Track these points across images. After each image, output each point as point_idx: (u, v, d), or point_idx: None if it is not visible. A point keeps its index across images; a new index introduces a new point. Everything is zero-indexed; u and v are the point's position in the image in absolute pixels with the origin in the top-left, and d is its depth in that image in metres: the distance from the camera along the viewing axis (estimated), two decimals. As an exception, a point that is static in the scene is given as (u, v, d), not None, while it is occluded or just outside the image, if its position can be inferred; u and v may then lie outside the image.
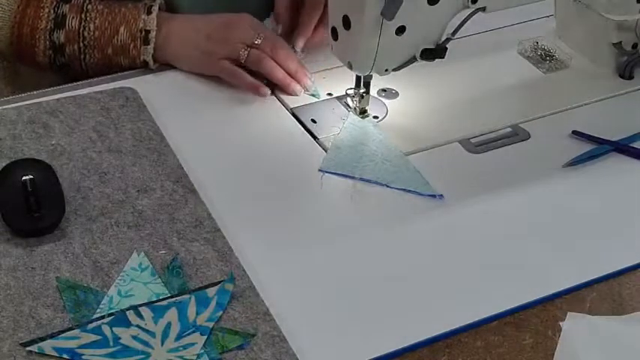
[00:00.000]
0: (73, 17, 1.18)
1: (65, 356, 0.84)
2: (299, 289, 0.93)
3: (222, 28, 1.19)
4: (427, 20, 1.06)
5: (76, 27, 1.18)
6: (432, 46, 1.09)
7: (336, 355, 0.87)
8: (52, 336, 0.86)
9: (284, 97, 1.19)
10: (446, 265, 0.97)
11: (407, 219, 1.03)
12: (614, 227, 1.03)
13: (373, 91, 1.17)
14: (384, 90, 1.21)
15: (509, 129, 1.16)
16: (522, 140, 1.15)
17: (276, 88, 1.20)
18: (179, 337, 0.87)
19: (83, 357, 0.84)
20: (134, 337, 0.86)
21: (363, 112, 1.16)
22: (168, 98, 1.17)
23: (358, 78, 1.14)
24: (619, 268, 0.97)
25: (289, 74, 1.19)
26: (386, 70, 1.10)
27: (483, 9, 1.09)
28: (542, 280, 0.95)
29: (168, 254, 0.95)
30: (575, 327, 0.91)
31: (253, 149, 1.11)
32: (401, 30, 1.05)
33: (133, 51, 1.19)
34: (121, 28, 1.19)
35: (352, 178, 1.07)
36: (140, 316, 0.88)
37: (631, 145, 1.14)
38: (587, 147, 1.13)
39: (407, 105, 1.19)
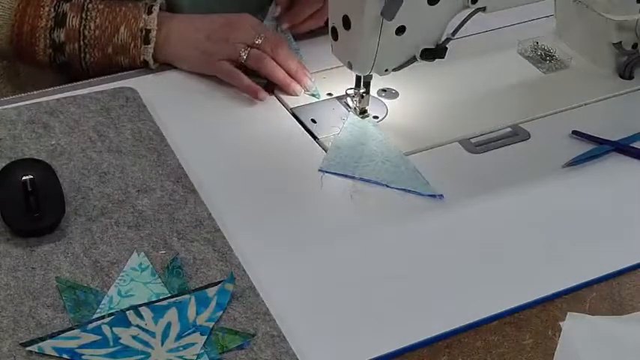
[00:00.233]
0: (73, 16, 1.18)
1: (65, 356, 0.84)
2: (299, 289, 0.93)
3: (222, 27, 1.19)
4: (427, 20, 1.06)
5: (77, 26, 1.18)
6: (432, 46, 1.09)
7: (336, 355, 0.87)
8: (52, 336, 0.86)
9: (284, 97, 1.19)
10: (446, 265, 0.97)
11: (407, 219, 1.03)
12: (614, 227, 1.03)
13: (373, 91, 1.17)
14: (384, 90, 1.21)
15: (509, 129, 1.16)
16: (522, 140, 1.15)
17: (276, 87, 1.20)
18: (179, 337, 0.87)
19: (83, 357, 0.84)
20: (134, 337, 0.86)
21: (363, 112, 1.16)
22: (168, 98, 1.17)
23: (358, 78, 1.14)
24: (619, 268, 0.98)
25: (290, 74, 1.19)
26: (386, 70, 1.10)
27: (483, 9, 1.09)
28: (542, 280, 0.95)
29: (168, 254, 0.95)
30: (575, 327, 0.91)
31: (253, 149, 1.11)
32: (401, 30, 1.05)
33: (133, 50, 1.19)
34: (122, 28, 1.19)
35: (352, 178, 1.07)
36: (140, 316, 0.88)
37: (631, 145, 1.14)
38: (587, 147, 1.13)
39: (407, 105, 1.19)
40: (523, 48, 1.31)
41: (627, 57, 1.26)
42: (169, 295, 0.91)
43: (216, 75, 1.19)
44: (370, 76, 1.13)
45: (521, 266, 0.97)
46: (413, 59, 1.09)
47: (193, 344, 0.86)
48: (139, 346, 0.85)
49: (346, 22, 1.05)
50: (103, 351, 0.85)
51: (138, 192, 1.02)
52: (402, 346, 0.88)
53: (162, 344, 0.86)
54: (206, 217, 0.99)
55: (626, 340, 0.90)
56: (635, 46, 1.26)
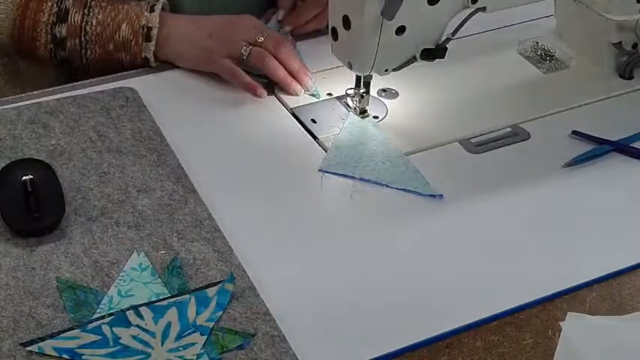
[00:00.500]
0: (76, 12, 1.19)
1: (65, 356, 0.84)
2: (299, 289, 0.93)
3: (224, 26, 1.20)
4: (427, 20, 1.06)
5: (79, 21, 1.18)
6: (432, 46, 1.09)
7: (336, 355, 0.87)
8: (52, 336, 0.86)
9: (284, 97, 1.19)
10: (446, 265, 0.97)
11: (407, 219, 1.03)
12: (614, 227, 1.03)
13: (373, 91, 1.17)
14: (384, 90, 1.21)
15: (509, 129, 1.16)
16: (522, 140, 1.15)
17: (276, 87, 1.20)
18: (179, 337, 0.87)
19: (83, 357, 0.84)
20: (134, 337, 0.86)
21: (363, 112, 1.16)
22: (168, 98, 1.17)
23: (358, 78, 1.14)
24: (619, 268, 0.97)
25: (291, 73, 1.19)
26: (386, 70, 1.10)
27: (483, 9, 1.09)
28: (542, 280, 0.95)
29: (168, 254, 0.95)
30: (575, 327, 0.91)
31: (253, 149, 1.11)
32: (401, 30, 1.05)
33: (134, 47, 1.19)
34: (124, 25, 1.19)
35: (352, 178, 1.07)
36: (140, 316, 0.88)
37: (631, 145, 1.14)
38: (587, 147, 1.13)
39: (407, 105, 1.19)
40: (523, 48, 1.31)
41: (627, 57, 1.26)
42: (169, 295, 0.91)
43: (217, 72, 1.20)
44: (370, 76, 1.13)
45: (521, 266, 0.97)
46: (413, 59, 1.09)
47: (193, 344, 0.86)
48: (139, 346, 0.85)
49: (346, 22, 1.05)
50: (103, 351, 0.85)
51: (138, 192, 1.02)
52: (402, 346, 0.88)
53: (162, 344, 0.86)
54: (206, 217, 0.99)
55: (626, 340, 0.90)
56: (635, 46, 1.26)
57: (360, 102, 1.16)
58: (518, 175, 1.09)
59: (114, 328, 0.87)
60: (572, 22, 1.30)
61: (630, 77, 1.26)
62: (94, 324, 0.87)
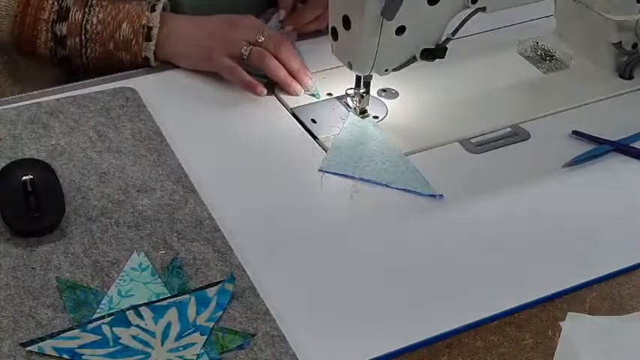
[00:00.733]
0: (76, 10, 1.19)
1: (65, 356, 0.84)
2: (299, 289, 0.93)
3: (225, 26, 1.20)
4: (427, 20, 1.06)
5: (79, 20, 1.19)
6: (432, 46, 1.09)
7: (336, 355, 0.87)
8: (52, 336, 0.86)
9: (284, 97, 1.19)
10: (446, 265, 0.97)
11: (407, 219, 1.03)
12: (614, 227, 1.03)
13: (373, 91, 1.17)
14: (384, 90, 1.21)
15: (509, 129, 1.16)
16: (522, 140, 1.15)
17: (276, 87, 1.20)
18: (179, 337, 0.87)
19: (83, 357, 0.84)
20: (134, 337, 0.86)
21: (363, 112, 1.16)
22: (168, 98, 1.17)
23: (358, 78, 1.14)
24: (619, 268, 0.97)
25: (291, 73, 1.19)
26: (386, 70, 1.10)
27: (483, 9, 1.09)
28: (542, 280, 0.95)
29: (168, 254, 0.95)
30: (575, 327, 0.91)
31: (253, 149, 1.11)
32: (401, 30, 1.05)
33: (134, 47, 1.20)
34: (124, 24, 1.19)
35: (352, 178, 1.07)
36: (140, 316, 0.88)
37: (631, 145, 1.14)
38: (587, 147, 1.13)
39: (407, 105, 1.19)
40: (523, 48, 1.31)
41: (627, 57, 1.26)
42: (169, 295, 0.91)
43: (217, 71, 1.20)
44: (370, 76, 1.13)
45: (522, 266, 0.97)
46: (413, 59, 1.09)
47: (193, 344, 0.86)
48: (139, 346, 0.85)
49: (346, 22, 1.05)
50: (103, 351, 0.85)
51: (138, 192, 1.02)
52: (402, 346, 0.88)
53: (162, 344, 0.86)
54: (206, 217, 0.99)
55: (626, 340, 0.90)
56: (635, 46, 1.26)
57: (360, 102, 1.16)
58: (518, 175, 1.09)
59: (114, 328, 0.87)
60: (572, 22, 1.30)
61: (630, 77, 1.26)
62: (94, 324, 0.87)
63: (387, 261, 0.97)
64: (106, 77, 1.20)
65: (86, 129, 1.10)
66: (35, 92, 1.17)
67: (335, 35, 1.09)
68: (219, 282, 0.92)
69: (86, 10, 1.19)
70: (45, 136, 1.09)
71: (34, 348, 0.84)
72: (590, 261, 0.98)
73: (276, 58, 1.18)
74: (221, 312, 0.89)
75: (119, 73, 1.21)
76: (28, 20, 1.19)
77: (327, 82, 1.21)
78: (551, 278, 0.96)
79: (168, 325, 0.87)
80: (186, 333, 0.87)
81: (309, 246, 0.99)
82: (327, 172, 1.08)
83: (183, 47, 1.20)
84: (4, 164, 1.02)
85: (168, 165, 1.06)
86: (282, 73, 1.18)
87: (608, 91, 1.24)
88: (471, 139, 1.14)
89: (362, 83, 1.14)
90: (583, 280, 0.96)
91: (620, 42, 1.25)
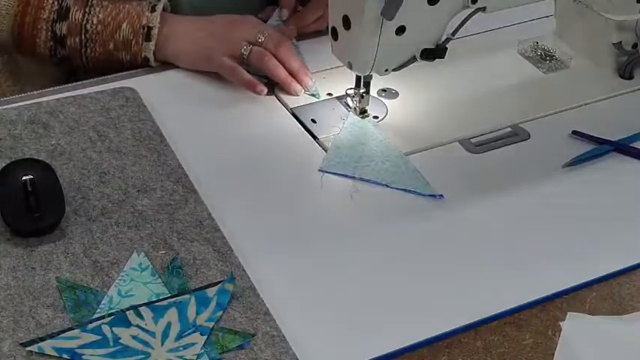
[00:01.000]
0: (77, 10, 1.19)
1: (65, 356, 0.84)
2: (299, 289, 0.93)
3: (225, 26, 1.20)
4: (427, 20, 1.06)
5: (79, 20, 1.19)
6: (432, 46, 1.09)
7: (336, 355, 0.87)
8: (52, 336, 0.86)
9: (284, 97, 1.19)
10: (446, 265, 0.97)
11: (407, 219, 1.03)
12: (614, 227, 1.03)
13: (373, 91, 1.17)
14: (384, 90, 1.21)
15: (509, 129, 1.16)
16: (522, 140, 1.15)
17: (276, 87, 1.20)
18: (179, 337, 0.87)
19: (83, 357, 0.84)
20: (134, 337, 0.86)
21: (363, 112, 1.16)
22: (168, 98, 1.17)
23: (358, 78, 1.14)
24: (619, 268, 0.97)
25: (291, 73, 1.19)
26: (386, 70, 1.10)
27: (483, 9, 1.09)
28: (542, 280, 0.95)
29: (168, 254, 0.95)
30: (575, 327, 0.91)
31: (253, 149, 1.11)
32: (401, 30, 1.05)
33: (134, 47, 1.20)
34: (124, 24, 1.19)
35: (352, 178, 1.07)
36: (140, 316, 0.88)
37: (631, 145, 1.14)
38: (587, 147, 1.13)
39: (407, 105, 1.19)
40: (523, 48, 1.31)
41: (627, 57, 1.26)
42: (169, 295, 0.91)
43: (217, 71, 1.20)
44: (370, 76, 1.13)
45: (522, 266, 0.97)
46: (413, 59, 1.09)
47: (193, 344, 0.86)
48: (139, 346, 0.85)
49: (346, 22, 1.05)
50: (103, 351, 0.85)
51: (138, 192, 1.02)
52: (402, 346, 0.88)
53: (162, 344, 0.86)
54: (206, 217, 0.99)
55: (626, 340, 0.90)
56: (635, 46, 1.26)
57: (360, 102, 1.16)
58: (518, 175, 1.09)
59: (114, 328, 0.87)
60: (572, 22, 1.30)
61: (630, 77, 1.26)
62: (94, 324, 0.87)
63: (386, 261, 0.97)
64: (106, 77, 1.20)
65: (86, 129, 1.10)
66: (35, 92, 1.17)
67: (335, 35, 1.09)
68: (219, 282, 0.92)
69: (86, 9, 1.19)
70: (45, 136, 1.09)
71: (34, 348, 0.84)
72: (590, 261, 0.98)
73: (276, 58, 1.18)
74: (221, 312, 0.89)
75: (119, 73, 1.21)
76: (28, 19, 1.19)
77: (327, 82, 1.21)
78: (551, 278, 0.96)
79: (168, 325, 0.87)
80: (186, 333, 0.87)
81: (309, 246, 0.99)
82: (327, 172, 1.08)
83: (183, 47, 1.20)
84: (4, 164, 1.02)
85: (168, 165, 1.06)
86: (282, 73, 1.18)
87: (608, 91, 1.24)
88: (471, 139, 1.14)
89: (362, 83, 1.14)
90: (583, 280, 0.96)
91: (620, 42, 1.25)
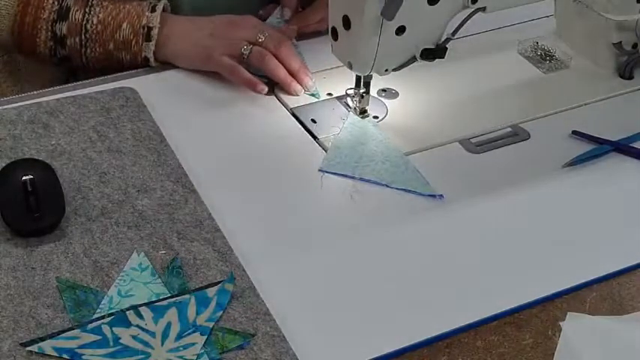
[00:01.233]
0: (77, 10, 1.19)
1: (65, 356, 0.84)
2: (299, 289, 0.93)
3: (225, 26, 1.20)
4: (427, 20, 1.06)
5: (79, 19, 1.19)
6: (432, 46, 1.09)
7: (336, 355, 0.87)
8: (52, 336, 0.86)
9: (284, 97, 1.19)
10: (446, 265, 0.97)
11: (407, 219, 1.03)
12: (614, 227, 1.03)
13: (373, 91, 1.17)
14: (384, 90, 1.21)
15: (509, 129, 1.16)
16: (522, 140, 1.15)
17: (276, 87, 1.20)
18: (179, 337, 0.87)
19: (83, 357, 0.84)
20: (134, 337, 0.86)
21: (363, 112, 1.16)
22: (168, 98, 1.17)
23: (358, 78, 1.14)
24: (619, 268, 0.97)
25: (291, 73, 1.19)
26: (386, 70, 1.10)
27: (483, 9, 1.09)
28: (542, 280, 0.95)
29: (168, 254, 0.95)
30: (575, 327, 0.91)
31: (253, 149, 1.11)
32: (401, 30, 1.05)
33: (134, 47, 1.20)
34: (124, 24, 1.19)
35: (352, 178, 1.07)
36: (140, 316, 0.88)
37: (631, 145, 1.14)
38: (587, 147, 1.13)
39: (407, 105, 1.19)
40: (523, 48, 1.31)
41: (627, 57, 1.26)
42: (169, 295, 0.91)
43: (217, 70, 1.20)
44: (370, 76, 1.13)
45: (521, 266, 0.97)
46: (413, 59, 1.09)
47: (193, 344, 0.86)
48: (139, 346, 0.85)
49: (346, 22, 1.05)
50: (103, 351, 0.85)
51: (138, 192, 1.02)
52: (402, 346, 0.88)
53: (162, 344, 0.86)
54: (206, 217, 0.99)
55: (626, 340, 0.90)
56: (635, 46, 1.26)
57: (360, 102, 1.16)
58: (518, 175, 1.09)
59: (114, 328, 0.87)
60: (572, 22, 1.30)
61: (630, 77, 1.26)
62: (94, 324, 0.87)
63: (386, 261, 0.97)
64: (106, 77, 1.20)
65: (86, 129, 1.10)
66: (35, 92, 1.17)
67: (335, 35, 1.09)
68: (219, 282, 0.92)
69: (86, 9, 1.19)
70: (45, 136, 1.09)
71: (34, 348, 0.84)
72: (590, 261, 0.98)
73: (277, 58, 1.18)
74: (221, 312, 0.89)
75: (119, 73, 1.21)
76: (28, 19, 1.19)
77: (327, 82, 1.21)
78: (551, 278, 0.96)
79: (169, 325, 0.87)
80: (186, 333, 0.87)
81: (309, 246, 0.99)
82: (327, 172, 1.08)
83: (183, 47, 1.20)
84: (4, 164, 1.02)
85: (168, 165, 1.06)
86: (282, 73, 1.18)
87: (608, 91, 1.24)
88: (471, 139, 1.14)
89: (362, 83, 1.14)
90: (583, 280, 0.96)
91: (620, 42, 1.25)
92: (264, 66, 1.18)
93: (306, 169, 1.08)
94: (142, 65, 1.22)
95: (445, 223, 1.02)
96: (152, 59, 1.20)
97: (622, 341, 0.90)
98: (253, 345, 0.86)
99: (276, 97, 1.19)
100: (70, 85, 1.19)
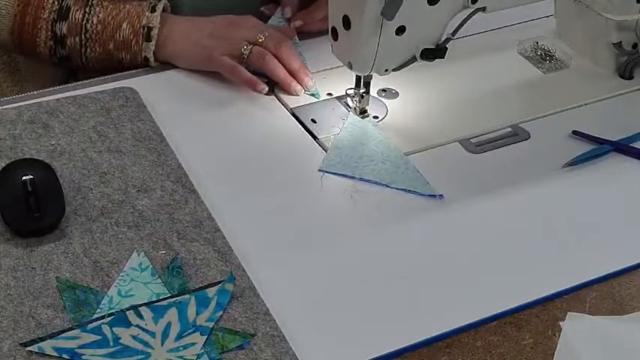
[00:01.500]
0: (77, 10, 1.19)
1: (65, 356, 0.84)
2: (299, 289, 0.93)
3: (225, 26, 1.20)
4: (427, 20, 1.06)
5: (79, 19, 1.19)
6: (432, 46, 1.09)
7: (336, 355, 0.87)
8: (52, 336, 0.86)
9: (284, 97, 1.19)
10: (446, 265, 0.97)
11: (407, 219, 1.03)
12: (614, 227, 1.03)
13: (373, 91, 1.17)
14: (384, 90, 1.21)
15: (509, 129, 1.16)
16: (522, 140, 1.15)
17: (276, 87, 1.20)
18: (179, 337, 0.87)
19: (83, 357, 0.84)
20: (134, 337, 0.86)
21: (363, 112, 1.16)
22: (168, 98, 1.17)
23: (358, 78, 1.14)
24: (619, 268, 0.97)
25: (291, 73, 1.19)
26: (386, 70, 1.10)
27: (483, 9, 1.09)
28: (542, 280, 0.96)
29: (168, 254, 0.95)
30: (575, 327, 0.91)
31: (253, 149, 1.11)
32: (401, 30, 1.05)
33: (134, 47, 1.20)
34: (124, 24, 1.19)
35: (352, 178, 1.07)
36: (140, 316, 0.88)
37: (631, 145, 1.14)
38: (587, 147, 1.13)
39: (407, 105, 1.19)
40: (523, 48, 1.31)
41: (627, 57, 1.26)
42: (169, 295, 0.91)
43: (217, 70, 1.20)
44: (370, 76, 1.13)
45: (521, 266, 0.97)
46: (413, 59, 1.09)
47: (193, 344, 0.86)
48: (139, 346, 0.85)
49: (346, 22, 1.05)
50: (103, 351, 0.85)
51: (138, 192, 1.02)
52: (402, 346, 0.88)
53: (162, 344, 0.86)
54: (206, 217, 0.99)
55: (626, 340, 0.90)
56: (635, 46, 1.26)
57: (360, 102, 1.16)
58: (518, 175, 1.09)
59: (114, 328, 0.87)
60: (572, 22, 1.30)
61: (630, 77, 1.26)
62: (94, 324, 0.87)
63: (387, 261, 0.97)
64: (106, 77, 1.20)
65: (86, 129, 1.10)
66: (35, 92, 1.17)
67: (335, 35, 1.09)
68: (219, 282, 0.92)
69: (87, 9, 1.19)
70: (45, 136, 1.09)
71: (34, 348, 0.84)
72: (590, 261, 0.98)
73: (277, 58, 1.18)
74: (221, 312, 0.89)
75: (119, 73, 1.21)
76: (28, 19, 1.19)
77: (327, 82, 1.21)
78: (551, 278, 0.96)
79: (169, 325, 0.87)
80: (186, 333, 0.87)
81: (309, 246, 0.99)
82: (327, 172, 1.08)
83: (183, 47, 1.20)
84: (4, 164, 1.02)
85: (168, 165, 1.06)
86: (282, 73, 1.18)
87: (608, 91, 1.24)
88: (471, 139, 1.14)
89: (362, 83, 1.14)
90: (583, 280, 0.96)
91: (620, 42, 1.25)
92: (264, 66, 1.18)
93: (306, 169, 1.08)
94: (141, 65, 1.22)
95: (445, 223, 1.02)
96: (152, 59, 1.20)
97: (622, 341, 0.90)
98: (253, 345, 0.86)
99: (276, 97, 1.19)
100: (70, 85, 1.19)
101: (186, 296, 0.90)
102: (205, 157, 1.09)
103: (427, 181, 1.07)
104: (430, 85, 1.22)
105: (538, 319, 0.92)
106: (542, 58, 1.30)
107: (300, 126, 1.15)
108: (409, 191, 1.06)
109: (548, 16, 1.36)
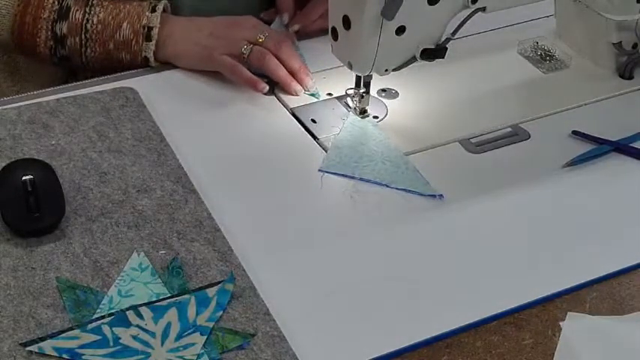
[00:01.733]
0: (77, 10, 1.19)
1: (65, 356, 0.84)
2: (299, 289, 0.93)
3: (225, 25, 1.20)
4: (427, 20, 1.06)
5: (79, 19, 1.19)
6: (432, 46, 1.09)
7: (336, 355, 0.87)
8: (52, 336, 0.86)
9: (284, 97, 1.19)
10: (446, 265, 0.97)
11: (407, 219, 1.03)
12: (614, 227, 1.03)
13: (373, 91, 1.17)
14: (384, 90, 1.21)
15: (509, 129, 1.16)
16: (522, 140, 1.15)
17: (276, 87, 1.20)
18: (179, 337, 0.87)
19: (83, 357, 0.84)
20: (134, 337, 0.86)
21: (363, 112, 1.16)
22: (168, 98, 1.17)
23: (358, 78, 1.14)
24: (619, 268, 0.98)
25: (291, 73, 1.19)
26: (386, 70, 1.10)
27: (483, 9, 1.09)
28: (542, 280, 0.96)
29: (168, 254, 0.95)
30: (575, 327, 0.91)
31: (253, 149, 1.11)
32: (401, 30, 1.05)
33: (134, 47, 1.20)
34: (124, 24, 1.19)
35: (352, 178, 1.07)
36: (140, 316, 0.88)
37: (631, 145, 1.14)
38: (587, 147, 1.13)
39: (407, 105, 1.19)
40: (523, 48, 1.31)
41: (627, 57, 1.26)
42: (169, 295, 0.91)
43: (217, 70, 1.20)
44: (370, 76, 1.13)
45: (521, 266, 0.97)
46: (413, 59, 1.09)
47: (193, 344, 0.86)
48: (139, 346, 0.85)
49: (346, 22, 1.05)
50: (103, 351, 0.85)
51: (138, 192, 1.02)
52: (402, 346, 0.88)
53: (162, 344, 0.86)
54: (206, 217, 0.99)
55: (626, 340, 0.90)
56: (635, 46, 1.26)
57: (360, 102, 1.16)
58: (518, 175, 1.09)
59: (114, 328, 0.87)
60: (572, 22, 1.30)
61: (630, 77, 1.26)
62: (94, 324, 0.87)
63: (387, 261, 0.97)
64: (106, 77, 1.20)
65: (86, 129, 1.10)
66: (35, 92, 1.17)
67: (335, 35, 1.09)
68: (219, 282, 0.92)
69: (87, 9, 1.19)
70: (45, 136, 1.09)
71: (34, 348, 0.84)
72: (590, 261, 0.98)
73: (277, 58, 1.18)
74: (221, 312, 0.89)
75: (119, 73, 1.21)
76: (28, 19, 1.19)
77: (327, 82, 1.21)
78: (551, 278, 0.96)
79: (169, 325, 0.87)
80: (186, 333, 0.87)
81: (309, 246, 0.99)
82: (327, 172, 1.08)
83: (184, 47, 1.20)
84: (4, 164, 1.02)
85: (168, 165, 1.06)
86: (282, 73, 1.18)
87: (608, 91, 1.24)
88: (471, 139, 1.14)
89: (362, 83, 1.14)
90: (583, 280, 0.96)
91: (620, 42, 1.25)
92: (264, 66, 1.18)
93: (306, 169, 1.08)
94: (142, 65, 1.22)
95: (445, 223, 1.02)
96: (152, 59, 1.20)
97: (622, 341, 0.90)
98: (253, 345, 0.86)
99: (276, 97, 1.19)
100: (70, 85, 1.19)
101: (186, 296, 0.90)
102: (205, 157, 1.09)
103: (427, 181, 1.07)
104: (430, 85, 1.22)
105: (538, 319, 0.92)
106: (542, 58, 1.30)
107: (300, 126, 1.15)
108: (409, 191, 1.06)
109: (548, 16, 1.36)
